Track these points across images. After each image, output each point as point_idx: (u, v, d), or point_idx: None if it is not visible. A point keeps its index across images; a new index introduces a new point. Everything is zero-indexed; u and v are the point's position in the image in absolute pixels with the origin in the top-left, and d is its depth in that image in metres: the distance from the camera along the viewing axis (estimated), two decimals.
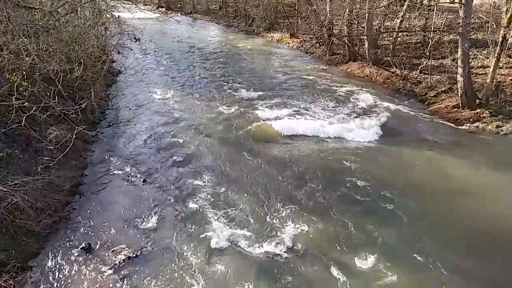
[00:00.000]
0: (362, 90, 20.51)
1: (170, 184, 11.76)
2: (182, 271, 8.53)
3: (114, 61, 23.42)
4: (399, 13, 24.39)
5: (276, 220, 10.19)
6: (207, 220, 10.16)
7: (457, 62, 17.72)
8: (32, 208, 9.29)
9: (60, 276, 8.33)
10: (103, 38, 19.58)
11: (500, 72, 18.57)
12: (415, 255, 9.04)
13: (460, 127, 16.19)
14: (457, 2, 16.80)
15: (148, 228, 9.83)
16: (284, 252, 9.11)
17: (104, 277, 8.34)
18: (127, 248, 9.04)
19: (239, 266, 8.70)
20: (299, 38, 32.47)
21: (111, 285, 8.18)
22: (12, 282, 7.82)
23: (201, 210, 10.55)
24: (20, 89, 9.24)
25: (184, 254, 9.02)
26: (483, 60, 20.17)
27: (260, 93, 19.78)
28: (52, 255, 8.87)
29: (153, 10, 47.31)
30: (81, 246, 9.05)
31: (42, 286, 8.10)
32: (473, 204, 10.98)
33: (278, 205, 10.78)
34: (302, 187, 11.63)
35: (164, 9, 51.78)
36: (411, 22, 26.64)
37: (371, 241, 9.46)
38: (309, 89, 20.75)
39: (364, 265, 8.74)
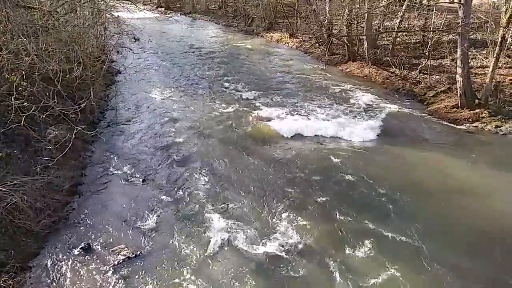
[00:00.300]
0: (361, 90, 20.52)
1: (169, 184, 11.75)
2: (181, 271, 8.53)
3: (114, 61, 23.40)
4: (399, 13, 24.40)
5: (275, 220, 10.19)
6: (206, 220, 10.16)
7: (456, 62, 17.73)
8: (31, 208, 9.29)
9: (59, 276, 8.33)
10: (103, 38, 19.56)
11: (499, 72, 18.59)
12: (414, 254, 9.05)
13: (459, 127, 16.20)
14: (456, 2, 16.81)
15: (147, 228, 9.83)
16: (284, 252, 9.11)
17: (104, 277, 8.34)
18: (126, 248, 9.04)
19: (238, 265, 8.70)
20: (298, 38, 32.46)
21: (110, 285, 8.17)
22: (11, 282, 7.81)
23: (200, 210, 10.55)
24: (20, 89, 9.22)
25: (184, 254, 9.02)
26: (482, 60, 20.19)
27: (259, 92, 19.78)
28: (51, 255, 8.87)
29: (153, 10, 47.19)
30: (80, 246, 9.05)
31: (41, 286, 8.10)
32: (472, 204, 10.99)
33: (278, 205, 10.78)
34: (301, 187, 11.63)
35: (163, 9, 51.70)
36: (411, 22, 26.65)
37: (371, 240, 9.46)
38: (308, 89, 20.75)
39: (364, 265, 8.75)
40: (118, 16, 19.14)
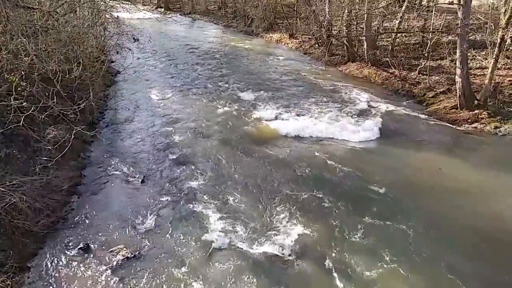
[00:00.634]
0: (360, 90, 20.53)
1: (168, 184, 11.75)
2: (180, 271, 8.53)
3: (113, 61, 23.40)
4: (398, 14, 24.42)
5: (274, 220, 10.20)
6: (205, 220, 10.16)
7: (455, 63, 17.75)
8: (30, 208, 9.28)
9: (58, 276, 8.33)
10: (102, 38, 19.57)
11: (498, 73, 18.59)
12: (413, 254, 9.06)
13: (458, 128, 16.21)
14: (455, 3, 16.84)
15: (146, 228, 9.83)
16: (283, 252, 9.12)
17: (102, 277, 8.34)
18: (125, 249, 9.04)
19: (237, 265, 8.71)
20: (298, 39, 32.44)
21: (109, 285, 8.17)
22: (10, 283, 7.80)
23: (199, 210, 10.55)
24: (19, 89, 9.22)
25: (183, 254, 9.02)
26: (482, 61, 20.20)
27: (259, 93, 19.79)
28: (50, 255, 8.87)
29: (152, 11, 47.18)
30: (79, 247, 9.06)
31: (40, 286, 8.11)
32: (471, 205, 11.00)
33: (277, 205, 10.79)
34: (300, 187, 11.64)
35: (163, 9, 51.69)
36: (410, 23, 26.66)
37: (369, 240, 9.48)
38: (308, 90, 20.76)
39: (362, 265, 8.75)
40: (117, 16, 19.18)
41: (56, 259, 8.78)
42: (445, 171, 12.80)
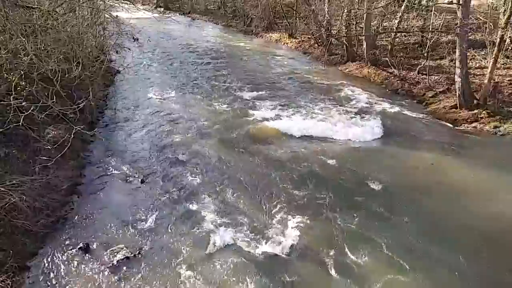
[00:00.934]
0: (360, 90, 20.52)
1: (168, 184, 11.75)
2: (180, 271, 8.53)
3: (113, 61, 23.37)
4: (397, 14, 24.43)
5: (274, 220, 10.20)
6: (205, 220, 10.16)
7: (455, 63, 17.75)
8: (30, 208, 9.27)
9: (58, 276, 8.32)
10: (102, 38, 19.54)
11: (497, 72, 18.61)
12: (412, 254, 9.06)
13: (457, 128, 16.22)
14: (455, 3, 16.84)
15: (146, 228, 9.83)
16: (283, 252, 9.12)
17: (102, 277, 8.33)
18: (125, 248, 9.03)
19: (237, 265, 8.70)
20: (297, 38, 32.44)
21: (109, 285, 8.17)
22: (10, 282, 7.80)
23: (199, 210, 10.55)
24: (18, 88, 9.23)
25: (182, 254, 9.02)
26: (481, 60, 20.21)
27: (258, 93, 19.78)
28: (50, 255, 8.86)
29: (151, 10, 47.11)
30: (79, 246, 9.05)
31: (39, 286, 8.10)
32: (470, 204, 11.01)
33: (277, 204, 10.79)
34: (300, 187, 11.64)
35: (162, 9, 51.65)
36: (409, 22, 26.69)
37: (370, 241, 9.47)
38: (307, 90, 20.76)
39: (363, 265, 8.76)
40: (117, 16, 19.15)
41: (56, 258, 8.77)
42: (445, 171, 12.81)
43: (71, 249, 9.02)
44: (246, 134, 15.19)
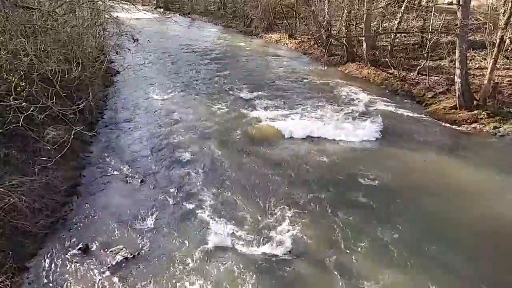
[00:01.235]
0: (360, 91, 20.54)
1: (168, 184, 11.74)
2: (179, 272, 8.52)
3: (112, 62, 23.39)
4: (397, 14, 24.45)
5: (274, 221, 10.19)
6: (205, 220, 10.15)
7: (455, 63, 17.75)
8: (30, 209, 9.26)
9: (57, 277, 8.31)
10: (101, 39, 19.55)
11: (497, 73, 18.63)
12: (413, 255, 9.05)
13: (457, 128, 16.22)
14: (455, 4, 16.85)
15: (145, 229, 9.82)
16: (283, 253, 9.11)
17: (102, 278, 8.32)
18: (124, 249, 9.02)
19: (237, 266, 8.69)
20: (297, 39, 32.48)
21: (108, 286, 8.16)
22: (9, 283, 7.79)
23: (199, 210, 10.54)
24: (18, 89, 9.23)
25: (182, 255, 9.01)
26: (481, 61, 20.22)
27: (258, 93, 19.79)
28: (49, 255, 8.85)
29: (151, 11, 47.17)
30: (78, 247, 9.03)
31: (39, 287, 8.08)
32: (470, 205, 11.01)
33: (277, 206, 10.78)
34: (300, 188, 11.63)
35: (162, 9, 51.70)
36: (409, 23, 26.71)
37: (370, 241, 9.47)
38: (307, 90, 20.77)
39: (362, 265, 8.75)
40: (117, 16, 19.15)
41: (55, 259, 8.76)
42: (444, 172, 12.81)
43: (70, 250, 9.01)
44: (246, 135, 15.19)
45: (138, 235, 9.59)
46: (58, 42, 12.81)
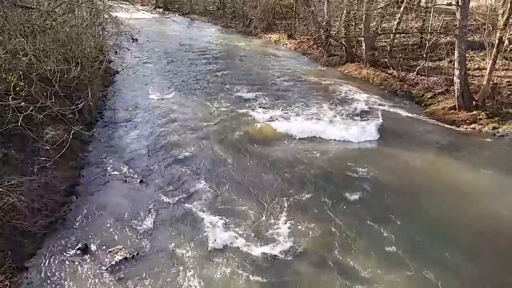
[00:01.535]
0: (359, 91, 20.55)
1: (167, 184, 11.73)
2: (179, 272, 8.52)
3: (112, 61, 23.37)
4: (397, 15, 24.49)
5: (274, 220, 10.19)
6: (204, 220, 10.14)
7: (454, 64, 17.78)
8: (29, 209, 9.24)
9: (56, 277, 8.30)
10: (101, 38, 19.52)
11: (496, 74, 18.64)
12: (412, 255, 9.05)
13: (456, 129, 16.23)
14: (454, 4, 16.87)
15: (145, 229, 9.81)
16: (282, 253, 9.11)
17: (101, 278, 8.31)
18: (124, 249, 9.01)
19: (236, 266, 8.69)
20: (296, 39, 32.50)
21: (107, 286, 8.15)
22: (8, 283, 7.77)
23: (198, 210, 10.53)
24: (17, 89, 9.23)
25: (181, 255, 9.00)
26: (480, 62, 20.25)
27: (258, 93, 19.79)
28: (49, 255, 8.83)
29: (151, 11, 47.15)
30: (77, 247, 9.02)
31: (38, 287, 8.07)
32: (469, 205, 11.02)
33: (276, 205, 10.78)
34: (299, 188, 11.64)
35: (161, 9, 51.70)
36: (408, 23, 26.72)
37: (369, 242, 9.48)
38: (307, 90, 20.78)
39: (362, 266, 8.75)
40: (116, 16, 19.14)
41: (54, 259, 8.75)
42: (444, 172, 12.82)
43: (69, 250, 9.00)
44: (245, 135, 15.19)
45: (137, 235, 9.58)
46: (57, 42, 12.80)
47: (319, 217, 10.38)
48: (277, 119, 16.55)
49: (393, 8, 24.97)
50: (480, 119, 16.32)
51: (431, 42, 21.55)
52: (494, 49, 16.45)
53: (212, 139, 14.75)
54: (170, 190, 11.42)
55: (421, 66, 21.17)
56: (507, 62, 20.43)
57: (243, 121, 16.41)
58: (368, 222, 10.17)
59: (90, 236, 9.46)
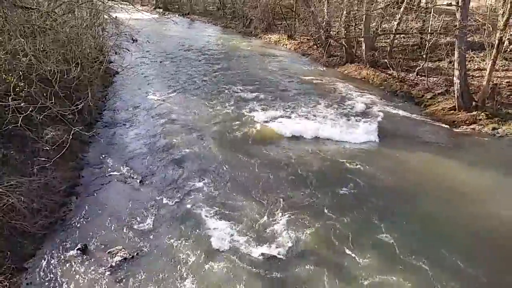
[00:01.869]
0: (359, 92, 20.56)
1: (167, 185, 11.73)
2: (178, 273, 8.51)
3: (112, 62, 23.38)
4: (397, 15, 24.49)
5: (273, 221, 10.19)
6: (204, 221, 10.14)
7: (453, 65, 17.78)
8: (28, 209, 9.25)
9: (56, 277, 8.30)
10: (100, 39, 19.54)
11: (496, 74, 18.64)
12: (412, 256, 9.05)
13: (456, 129, 16.23)
14: (454, 5, 16.87)
15: (144, 229, 9.81)
16: (282, 254, 9.10)
17: (100, 278, 8.31)
18: (123, 249, 9.01)
19: (236, 267, 8.69)
20: (296, 40, 32.51)
21: (107, 286, 8.14)
22: (7, 284, 7.77)
23: (198, 211, 10.53)
24: (17, 89, 9.23)
25: (181, 255, 9.00)
26: (480, 62, 20.26)
27: (257, 94, 19.79)
28: (48, 256, 8.83)
29: (151, 11, 47.18)
30: (77, 247, 9.02)
31: (37, 287, 8.06)
32: (469, 206, 11.01)
33: (276, 206, 10.78)
34: (299, 189, 11.63)
35: (161, 10, 51.74)
36: (408, 24, 26.73)
37: (368, 242, 9.47)
38: (306, 91, 20.77)
39: (361, 266, 8.75)
40: (116, 17, 19.15)
41: (54, 260, 8.74)
42: (444, 173, 12.81)
43: (69, 250, 8.99)
44: (245, 135, 15.19)
45: (137, 236, 9.58)
46: (57, 42, 12.79)
47: (318, 217, 10.37)
48: (276, 120, 16.55)
49: (393, 8, 24.98)
50: (480, 119, 16.32)
51: (431, 42, 21.54)
52: (494, 49, 16.44)
53: (212, 139, 14.75)
54: (169, 191, 11.42)
55: (421, 67, 21.17)
56: (507, 63, 20.42)
57: (242, 121, 16.41)
58: (368, 222, 10.16)
59: (89, 237, 9.46)
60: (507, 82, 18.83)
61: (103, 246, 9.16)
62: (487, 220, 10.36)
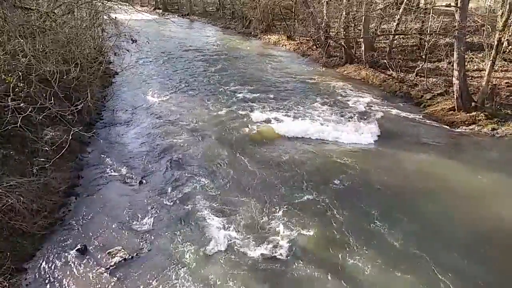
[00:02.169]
0: (358, 92, 20.58)
1: (166, 185, 11.73)
2: (178, 273, 8.51)
3: (111, 62, 23.37)
4: (396, 16, 24.50)
5: (273, 221, 10.19)
6: (203, 222, 10.14)
7: (453, 65, 17.80)
8: (28, 210, 9.24)
9: (55, 278, 8.30)
10: (100, 40, 19.54)
11: (495, 75, 18.67)
12: (412, 256, 9.06)
13: (455, 130, 16.25)
14: (453, 6, 16.88)
15: (144, 230, 9.80)
16: (281, 254, 9.10)
17: (100, 279, 8.31)
18: (123, 250, 9.01)
19: (235, 267, 8.69)
20: (296, 40, 32.53)
21: (106, 287, 8.14)
22: (7, 284, 7.76)
23: (197, 212, 10.53)
24: (16, 90, 9.19)
25: (180, 256, 9.00)
26: (479, 63, 20.28)
27: (257, 94, 19.80)
28: (47, 256, 8.83)
29: (150, 12, 47.21)
30: (76, 248, 9.01)
31: None
32: (469, 206, 11.02)
33: (275, 207, 10.78)
34: (298, 189, 11.64)
35: (161, 10, 51.76)
36: (408, 25, 26.76)
37: (368, 243, 9.47)
38: (306, 92, 20.79)
39: (361, 266, 8.75)
40: (115, 17, 19.14)
41: (53, 260, 8.74)
42: (443, 173, 12.82)
43: (68, 251, 8.99)
44: (244, 136, 15.19)
45: (136, 236, 9.58)
46: (57, 43, 12.78)
47: (318, 217, 10.37)
48: (276, 120, 16.56)
49: (392, 9, 25.00)
50: (479, 120, 16.34)
51: (430, 43, 21.58)
52: (493, 50, 16.47)
53: (211, 139, 14.75)
54: (169, 191, 11.42)
55: (420, 67, 21.19)
56: (506, 64, 20.46)
57: (242, 122, 16.41)
58: (368, 222, 10.17)
59: (89, 237, 9.46)
60: (506, 82, 18.85)
61: (102, 247, 9.16)
62: (487, 220, 10.38)
